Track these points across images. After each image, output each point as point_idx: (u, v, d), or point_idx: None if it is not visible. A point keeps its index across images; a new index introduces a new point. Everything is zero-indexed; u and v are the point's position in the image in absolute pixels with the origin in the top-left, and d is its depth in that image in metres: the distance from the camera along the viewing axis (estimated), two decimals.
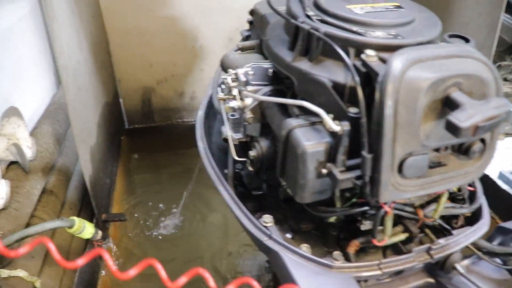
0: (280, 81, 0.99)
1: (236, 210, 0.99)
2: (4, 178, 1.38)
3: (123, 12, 2.45)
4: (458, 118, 0.66)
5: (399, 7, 0.93)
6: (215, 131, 1.33)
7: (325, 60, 0.85)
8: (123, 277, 0.55)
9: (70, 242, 1.65)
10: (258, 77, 1.00)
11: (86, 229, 1.46)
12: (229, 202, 1.01)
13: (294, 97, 0.91)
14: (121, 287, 1.82)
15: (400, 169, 0.75)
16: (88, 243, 1.76)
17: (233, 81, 1.01)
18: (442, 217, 0.97)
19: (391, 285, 0.96)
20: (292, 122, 0.83)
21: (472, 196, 1.01)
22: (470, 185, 1.01)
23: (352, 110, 0.78)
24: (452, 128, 0.66)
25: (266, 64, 1.02)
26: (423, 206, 0.93)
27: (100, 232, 1.56)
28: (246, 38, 1.31)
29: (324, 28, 0.84)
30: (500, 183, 1.96)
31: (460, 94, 0.71)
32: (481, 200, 1.01)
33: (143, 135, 2.83)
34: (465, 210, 0.98)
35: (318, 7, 0.92)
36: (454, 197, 0.99)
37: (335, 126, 0.76)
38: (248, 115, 0.99)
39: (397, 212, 0.89)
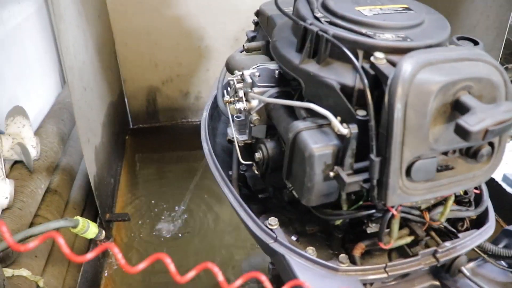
0: (287, 83, 0.98)
1: (241, 212, 0.98)
2: (8, 178, 1.38)
3: (129, 12, 2.45)
4: (468, 122, 0.65)
5: (408, 9, 0.92)
6: (219, 132, 1.32)
7: (333, 63, 0.84)
8: (132, 270, 0.55)
9: (73, 242, 1.65)
10: (265, 79, 0.99)
11: (90, 229, 1.47)
12: (234, 205, 1.01)
13: (300, 99, 0.91)
14: (124, 287, 1.82)
15: (408, 173, 0.74)
16: (91, 243, 1.76)
17: (239, 82, 1.01)
18: (448, 220, 0.96)
19: None
20: (300, 124, 0.83)
21: (478, 199, 1.00)
22: (475, 188, 1.00)
23: (361, 113, 0.77)
24: (462, 132, 0.66)
25: (273, 66, 1.02)
26: (429, 209, 0.92)
27: (104, 232, 1.56)
28: (252, 39, 1.30)
29: (333, 30, 0.83)
30: (504, 185, 1.94)
31: (470, 97, 0.70)
32: (487, 203, 1.00)
33: (148, 135, 2.83)
34: (471, 213, 0.97)
35: (326, 8, 0.91)
36: (459, 200, 0.99)
37: (343, 129, 0.75)
38: (254, 117, 0.98)
39: (404, 215, 0.88)
